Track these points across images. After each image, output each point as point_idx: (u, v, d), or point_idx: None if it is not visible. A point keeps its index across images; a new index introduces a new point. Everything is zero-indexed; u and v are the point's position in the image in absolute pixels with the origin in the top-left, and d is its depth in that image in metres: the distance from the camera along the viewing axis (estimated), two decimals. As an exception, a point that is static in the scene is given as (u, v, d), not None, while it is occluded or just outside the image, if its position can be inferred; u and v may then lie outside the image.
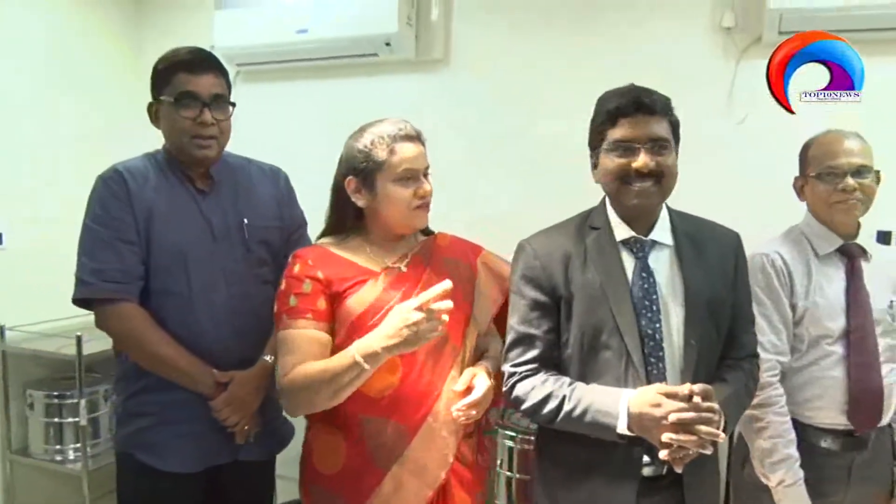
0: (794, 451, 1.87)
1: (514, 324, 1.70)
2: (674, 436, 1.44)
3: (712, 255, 1.67)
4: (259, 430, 2.00)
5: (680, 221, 1.71)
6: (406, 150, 1.72)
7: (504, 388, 1.71)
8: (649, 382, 1.55)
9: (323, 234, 1.85)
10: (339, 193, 1.80)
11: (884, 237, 2.45)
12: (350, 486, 1.71)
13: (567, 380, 1.63)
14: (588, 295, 1.62)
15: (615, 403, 1.53)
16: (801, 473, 1.86)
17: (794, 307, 1.93)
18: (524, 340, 1.68)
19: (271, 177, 2.14)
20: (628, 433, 1.52)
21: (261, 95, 3.35)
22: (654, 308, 1.60)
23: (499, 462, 2.60)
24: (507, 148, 2.94)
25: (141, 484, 1.93)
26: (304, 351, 1.65)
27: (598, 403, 1.55)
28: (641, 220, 1.66)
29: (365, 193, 1.75)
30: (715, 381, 1.60)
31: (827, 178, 1.93)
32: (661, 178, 1.58)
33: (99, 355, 2.74)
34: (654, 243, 1.66)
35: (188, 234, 1.92)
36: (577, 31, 2.85)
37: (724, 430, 1.51)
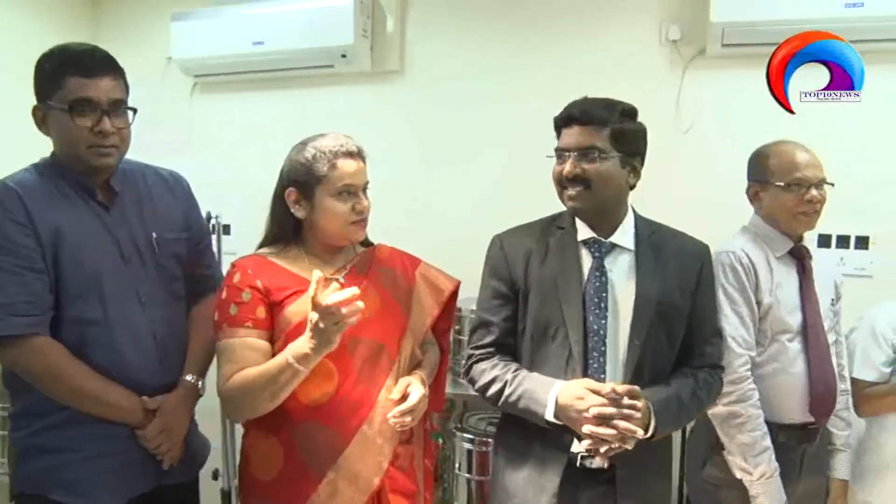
0: (769, 442, 1.94)
1: (477, 310, 1.87)
2: (594, 428, 1.55)
3: (673, 263, 1.74)
4: (180, 452, 1.88)
5: (646, 228, 1.79)
6: (346, 165, 1.74)
7: (464, 367, 1.87)
8: (587, 376, 1.66)
9: (262, 244, 1.86)
10: (279, 204, 1.81)
11: (824, 241, 2.57)
12: (286, 492, 1.73)
13: (514, 366, 1.75)
14: (543, 289, 1.74)
15: (546, 393, 1.64)
16: (776, 464, 1.93)
17: (759, 303, 1.99)
18: (483, 326, 1.83)
19: (174, 184, 1.97)
20: (555, 421, 1.63)
21: (217, 106, 3.38)
22: (603, 306, 1.70)
23: (457, 465, 2.64)
24: (463, 157, 3.00)
25: None
26: (244, 358, 1.68)
27: (532, 391, 1.67)
28: (602, 222, 1.75)
29: (304, 205, 1.77)
30: (659, 383, 1.68)
31: (794, 188, 1.98)
32: (590, 184, 1.68)
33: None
34: (614, 246, 1.75)
35: (98, 256, 1.74)
36: (530, 43, 2.91)
37: (654, 431, 1.60)
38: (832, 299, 2.11)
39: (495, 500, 1.84)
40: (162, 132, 3.06)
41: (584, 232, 1.76)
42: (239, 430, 2.89)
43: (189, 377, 1.88)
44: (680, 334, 1.74)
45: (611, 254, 1.75)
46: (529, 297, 1.75)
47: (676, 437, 2.38)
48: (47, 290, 1.69)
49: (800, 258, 2.05)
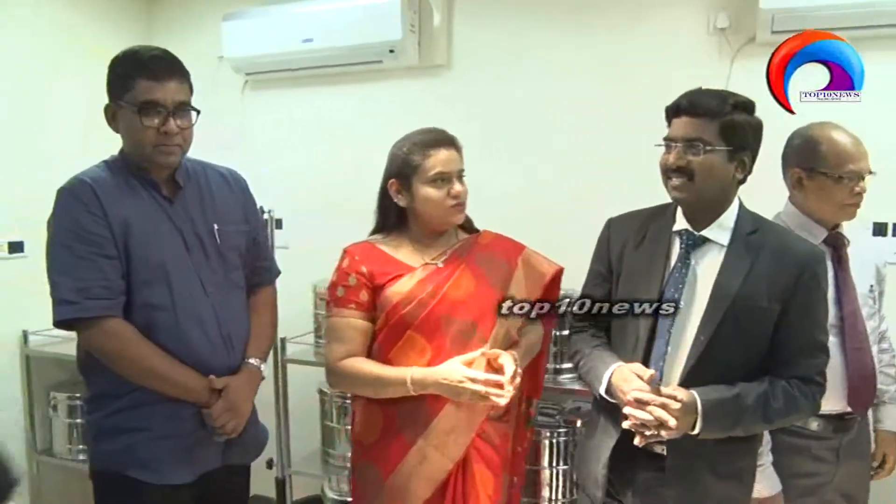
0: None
1: (582, 287, 1.96)
2: (631, 410, 1.62)
3: (769, 264, 1.68)
4: (241, 433, 1.96)
5: (749, 225, 1.73)
6: (439, 154, 1.91)
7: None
8: (647, 362, 1.72)
9: (373, 232, 2.04)
10: (384, 195, 1.99)
11: (880, 229, 2.52)
12: (383, 455, 1.92)
13: (598, 341, 1.86)
14: (631, 273, 1.81)
15: (604, 370, 1.74)
16: (771, 456, 1.92)
17: None
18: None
19: (232, 181, 2.08)
20: (608, 398, 1.74)
21: (268, 103, 3.45)
22: (677, 297, 1.71)
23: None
24: (512, 149, 3.01)
25: (131, 500, 1.87)
26: (349, 337, 1.92)
27: (595, 367, 1.79)
28: (700, 215, 1.74)
29: (405, 195, 1.94)
30: (725, 381, 1.66)
31: (845, 181, 1.95)
32: (693, 176, 1.67)
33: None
34: (706, 240, 1.74)
35: (164, 246, 1.85)
36: (577, 33, 2.90)
37: (701, 428, 1.61)
38: (871, 285, 2.06)
39: (576, 463, 2.03)
40: (214, 130, 3.14)
41: (680, 222, 1.76)
42: (293, 420, 2.99)
43: (253, 361, 1.98)
44: (761, 338, 1.68)
45: (701, 247, 1.74)
46: (620, 279, 1.82)
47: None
48: (119, 275, 1.80)
49: (836, 246, 2.00)
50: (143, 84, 1.77)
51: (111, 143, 1.92)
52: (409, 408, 1.88)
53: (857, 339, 1.96)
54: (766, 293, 1.66)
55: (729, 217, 1.74)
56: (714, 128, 1.64)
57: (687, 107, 1.68)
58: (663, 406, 1.58)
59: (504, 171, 3.00)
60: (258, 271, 2.10)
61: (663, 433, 1.60)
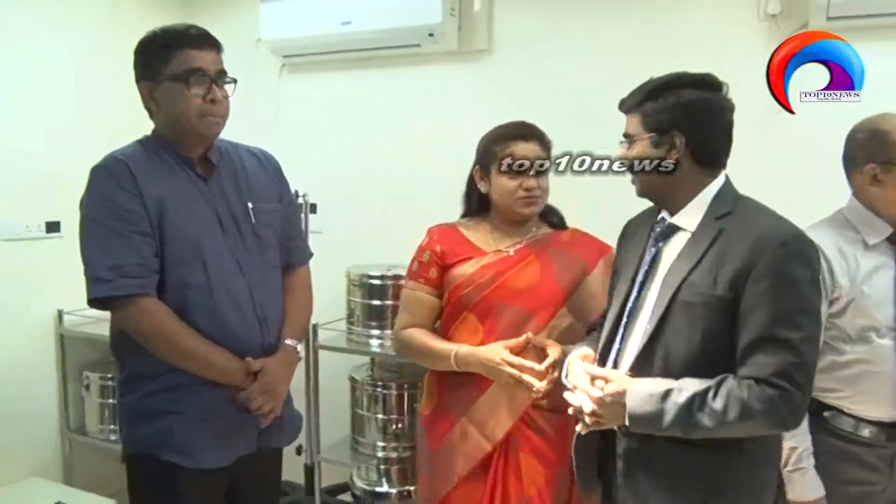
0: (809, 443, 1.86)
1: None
2: (567, 395, 1.65)
3: (727, 249, 1.52)
4: (280, 416, 1.96)
5: (721, 208, 1.60)
6: (515, 146, 1.99)
7: None
8: (604, 357, 1.69)
9: (462, 216, 2.16)
10: (470, 180, 2.12)
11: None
12: (433, 426, 2.06)
13: (593, 335, 1.86)
14: (618, 269, 1.79)
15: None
16: (812, 460, 1.85)
17: (835, 299, 1.86)
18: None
19: (263, 160, 2.06)
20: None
21: (306, 87, 3.42)
22: (640, 286, 1.66)
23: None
24: (552, 135, 2.94)
25: (168, 485, 1.84)
26: (414, 311, 2.08)
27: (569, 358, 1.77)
28: (666, 204, 1.68)
29: (485, 182, 2.05)
30: (669, 376, 1.53)
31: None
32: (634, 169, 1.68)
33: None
34: (675, 227, 1.65)
35: (199, 224, 1.84)
36: (621, 18, 2.83)
37: (629, 418, 1.52)
38: None
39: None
40: (251, 113, 3.13)
41: (663, 212, 1.70)
42: (323, 407, 2.97)
43: (289, 341, 1.96)
44: (713, 331, 1.51)
45: (674, 235, 1.66)
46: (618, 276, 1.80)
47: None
48: (154, 253, 1.78)
49: None
50: (185, 53, 1.78)
51: (146, 123, 1.91)
52: (459, 385, 1.99)
53: None
54: (717, 280, 1.50)
55: (703, 201, 1.62)
56: (636, 120, 1.66)
57: (621, 106, 1.72)
58: (599, 394, 1.56)
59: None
60: (292, 251, 2.07)
61: (587, 419, 1.57)
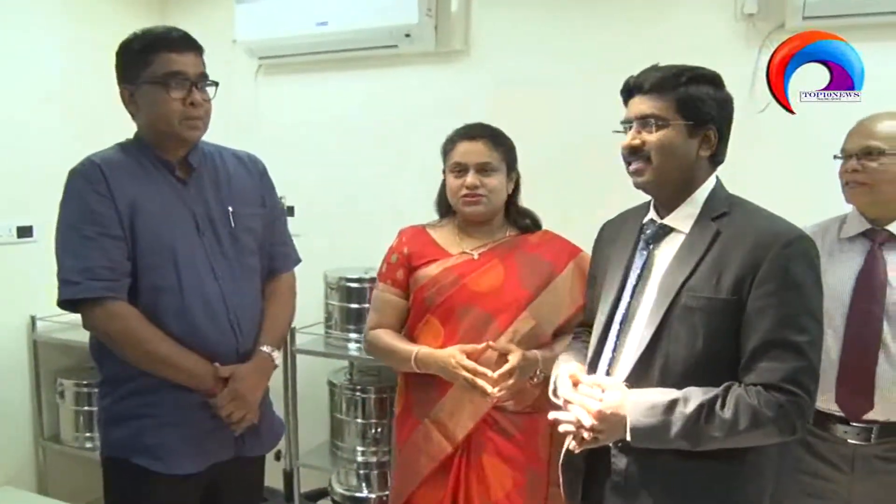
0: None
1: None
2: (554, 413, 1.55)
3: (728, 251, 1.47)
4: (257, 423, 1.91)
5: (717, 208, 1.54)
6: (461, 146, 2.02)
7: None
8: (595, 362, 1.61)
9: (441, 216, 2.17)
10: (442, 182, 2.12)
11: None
12: (400, 426, 2.11)
13: (577, 345, 1.78)
14: (605, 272, 1.69)
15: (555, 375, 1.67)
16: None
17: None
18: (581, 309, 1.91)
19: (248, 164, 2.03)
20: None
21: (282, 89, 3.40)
22: (632, 291, 1.58)
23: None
24: (528, 138, 2.93)
25: (138, 489, 1.82)
26: (382, 312, 2.10)
27: (559, 370, 1.67)
28: (665, 201, 1.59)
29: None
30: (671, 385, 1.47)
31: (839, 159, 1.90)
32: (650, 156, 1.53)
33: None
34: (668, 229, 1.58)
35: (173, 227, 1.82)
36: (599, 19, 2.83)
37: (631, 432, 1.44)
38: None
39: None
40: (227, 115, 3.10)
41: (650, 213, 1.62)
42: (301, 412, 2.95)
43: (264, 348, 1.92)
44: (716, 336, 1.45)
45: (666, 237, 1.57)
46: (598, 281, 1.71)
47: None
48: (125, 256, 1.76)
49: (880, 241, 1.88)
50: (164, 57, 1.76)
51: (125, 126, 1.89)
52: (423, 386, 2.00)
53: (861, 338, 1.83)
54: (720, 283, 1.45)
55: (696, 201, 1.55)
56: (668, 102, 1.50)
57: (637, 85, 1.54)
58: (599, 408, 1.46)
59: (523, 160, 2.93)
60: (277, 256, 2.04)
61: (585, 435, 1.46)
